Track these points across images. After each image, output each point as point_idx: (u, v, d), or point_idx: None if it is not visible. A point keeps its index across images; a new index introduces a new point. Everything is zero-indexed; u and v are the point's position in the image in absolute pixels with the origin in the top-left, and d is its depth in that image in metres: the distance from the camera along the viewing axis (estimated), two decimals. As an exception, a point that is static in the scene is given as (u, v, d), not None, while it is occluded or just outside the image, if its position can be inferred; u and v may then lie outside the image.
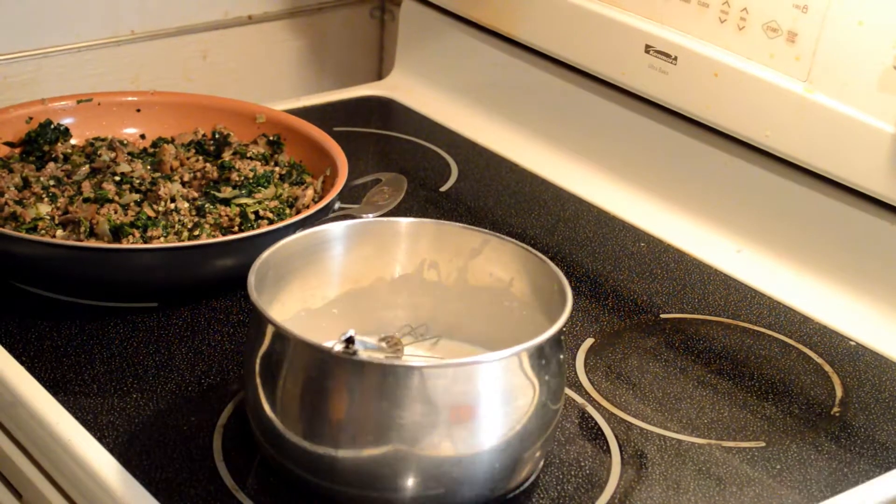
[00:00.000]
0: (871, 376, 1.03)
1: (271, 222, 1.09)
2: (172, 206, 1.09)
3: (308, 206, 1.11)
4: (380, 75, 1.66)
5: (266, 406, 0.83)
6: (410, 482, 0.81)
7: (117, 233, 1.04)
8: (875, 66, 1.06)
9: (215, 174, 1.14)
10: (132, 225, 1.05)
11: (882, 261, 1.11)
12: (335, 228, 0.95)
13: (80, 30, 1.40)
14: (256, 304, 0.83)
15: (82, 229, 1.05)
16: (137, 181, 1.12)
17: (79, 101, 1.23)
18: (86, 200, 1.09)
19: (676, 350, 1.05)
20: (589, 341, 1.05)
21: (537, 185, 1.31)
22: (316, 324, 0.93)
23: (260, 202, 1.11)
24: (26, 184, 1.11)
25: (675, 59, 1.21)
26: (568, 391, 0.96)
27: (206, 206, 1.10)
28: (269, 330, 0.83)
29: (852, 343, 1.08)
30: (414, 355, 0.93)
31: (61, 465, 0.90)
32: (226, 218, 1.09)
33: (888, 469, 0.92)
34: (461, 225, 0.95)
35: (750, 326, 1.09)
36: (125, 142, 1.20)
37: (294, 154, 1.21)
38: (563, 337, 0.86)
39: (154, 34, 1.45)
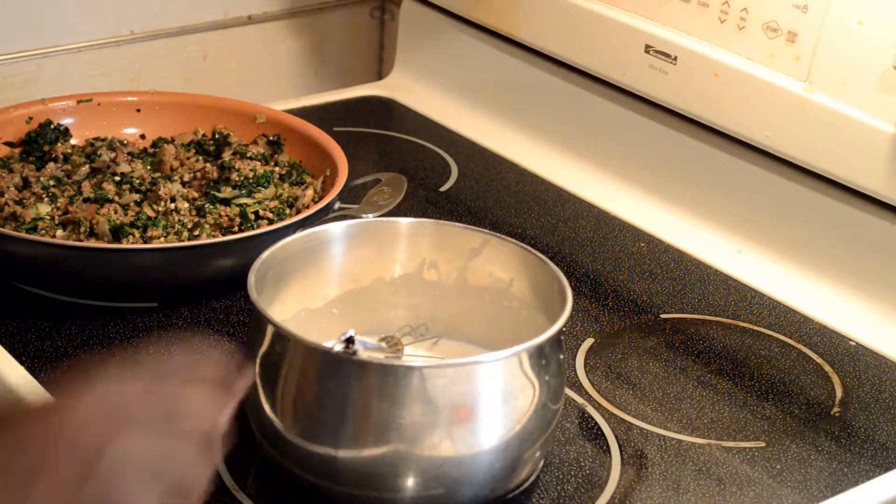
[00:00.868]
0: (871, 376, 1.03)
1: (271, 222, 1.09)
2: (172, 206, 1.09)
3: (308, 206, 1.11)
4: (380, 75, 1.66)
5: (266, 406, 0.83)
6: (410, 482, 0.81)
7: (117, 233, 1.04)
8: (875, 66, 1.06)
9: (215, 174, 1.14)
10: (132, 225, 1.05)
11: (882, 261, 1.11)
12: (335, 228, 0.95)
13: (80, 30, 1.40)
14: (256, 304, 0.83)
15: (82, 229, 1.05)
16: (137, 181, 1.12)
17: (79, 101, 1.23)
18: (86, 200, 1.09)
19: (676, 350, 1.05)
20: (589, 341, 1.05)
21: (537, 185, 1.31)
22: (316, 324, 0.93)
23: (260, 202, 1.11)
24: (26, 184, 1.11)
25: (675, 59, 1.21)
26: (568, 391, 0.96)
27: (206, 206, 1.10)
28: (269, 330, 0.83)
29: (852, 343, 1.08)
30: (414, 355, 0.93)
31: (61, 465, 0.90)
32: (226, 218, 1.09)
33: (888, 469, 0.92)
34: (461, 225, 0.95)
35: (750, 326, 1.09)
36: (125, 142, 1.20)
37: (294, 154, 1.21)
38: (562, 337, 0.86)
39: (154, 34, 1.45)
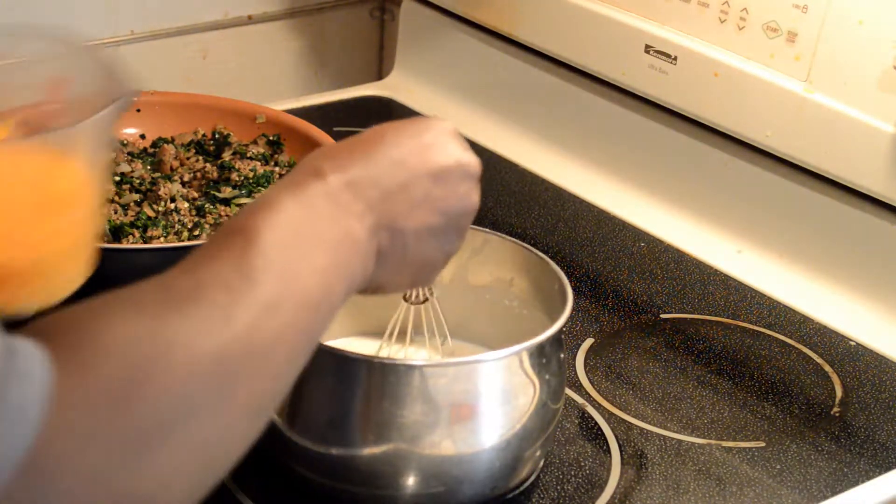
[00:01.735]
0: (871, 376, 1.03)
1: (271, 222, 1.08)
2: (172, 206, 1.09)
3: (308, 206, 1.10)
4: (380, 75, 1.66)
5: (266, 405, 0.83)
6: (411, 481, 0.81)
7: (117, 233, 1.04)
8: (875, 66, 1.06)
9: (215, 174, 1.14)
10: (132, 225, 1.05)
11: (882, 261, 1.11)
12: (335, 228, 0.94)
13: (81, 30, 1.40)
14: (257, 304, 0.82)
15: (82, 229, 1.05)
16: (137, 181, 1.12)
17: (79, 101, 1.23)
18: (86, 200, 1.09)
19: (676, 350, 1.05)
20: (589, 341, 1.05)
21: (537, 185, 1.31)
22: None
23: (260, 202, 1.11)
24: (26, 183, 1.11)
25: (675, 59, 1.21)
26: (568, 391, 0.96)
27: (206, 206, 1.10)
28: (270, 329, 0.83)
29: (852, 343, 1.08)
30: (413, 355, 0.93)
31: (61, 465, 0.90)
32: (226, 218, 1.09)
33: (888, 469, 0.92)
34: (461, 224, 0.95)
35: (750, 326, 1.09)
36: (125, 142, 1.20)
37: (294, 154, 1.21)
38: (563, 336, 0.86)
39: (154, 34, 1.45)
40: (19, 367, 0.51)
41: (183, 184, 1.13)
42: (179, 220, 1.08)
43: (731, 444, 0.94)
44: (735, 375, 1.02)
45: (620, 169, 1.31)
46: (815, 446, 0.94)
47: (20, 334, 0.54)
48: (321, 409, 0.81)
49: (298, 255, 0.62)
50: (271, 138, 1.22)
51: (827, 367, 1.04)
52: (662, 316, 1.10)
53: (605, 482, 0.88)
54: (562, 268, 0.89)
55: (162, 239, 1.05)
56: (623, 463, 0.91)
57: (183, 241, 1.06)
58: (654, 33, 1.23)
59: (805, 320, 1.10)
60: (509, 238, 0.93)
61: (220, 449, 0.58)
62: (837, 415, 0.98)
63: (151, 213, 1.08)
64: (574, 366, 1.01)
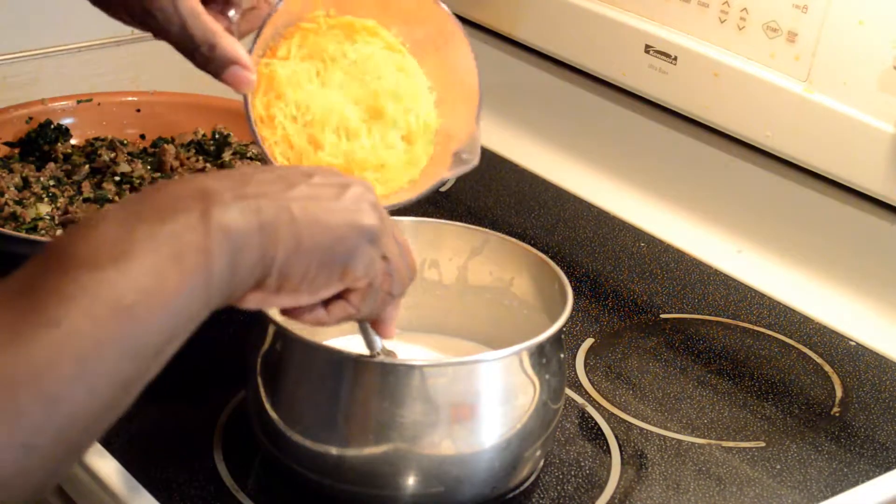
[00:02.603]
0: (871, 376, 1.03)
1: (271, 222, 1.08)
2: (172, 205, 1.09)
3: (308, 206, 1.10)
4: (380, 76, 1.65)
5: (267, 405, 0.83)
6: (411, 480, 0.81)
7: (117, 232, 1.04)
8: (875, 66, 1.06)
9: (215, 174, 1.14)
10: (132, 224, 1.05)
11: (882, 261, 1.11)
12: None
13: (80, 30, 1.40)
14: (257, 304, 0.83)
15: (82, 229, 1.05)
16: (137, 181, 1.12)
17: (79, 101, 1.23)
18: (86, 200, 1.09)
19: (676, 350, 1.05)
20: (589, 341, 1.05)
21: (537, 185, 1.31)
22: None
23: (260, 202, 1.11)
24: (26, 184, 1.11)
25: (675, 59, 1.21)
26: (568, 391, 0.96)
27: (206, 205, 1.10)
28: (271, 329, 0.83)
29: (852, 343, 1.08)
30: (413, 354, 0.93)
31: (61, 465, 0.90)
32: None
33: (888, 469, 0.92)
34: (461, 224, 0.95)
35: (750, 326, 1.09)
36: (125, 142, 1.20)
37: (294, 154, 1.21)
38: (563, 336, 0.86)
39: (154, 34, 1.45)
40: None
41: (183, 184, 1.13)
42: (179, 220, 1.07)
43: (731, 444, 0.94)
44: (735, 375, 1.02)
45: (620, 169, 1.31)
46: (815, 446, 0.94)
47: None
48: (321, 409, 0.81)
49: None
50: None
51: (827, 367, 1.04)
52: (662, 316, 1.10)
53: (605, 482, 0.88)
54: (562, 268, 0.89)
55: (162, 239, 1.05)
56: (623, 463, 0.91)
57: (183, 241, 1.05)
58: (654, 33, 1.23)
59: (805, 320, 1.10)
60: (509, 238, 0.93)
61: None
62: (837, 415, 0.98)
63: (151, 213, 1.07)
64: (574, 366, 1.01)
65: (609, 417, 0.95)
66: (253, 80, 0.83)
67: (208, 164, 1.15)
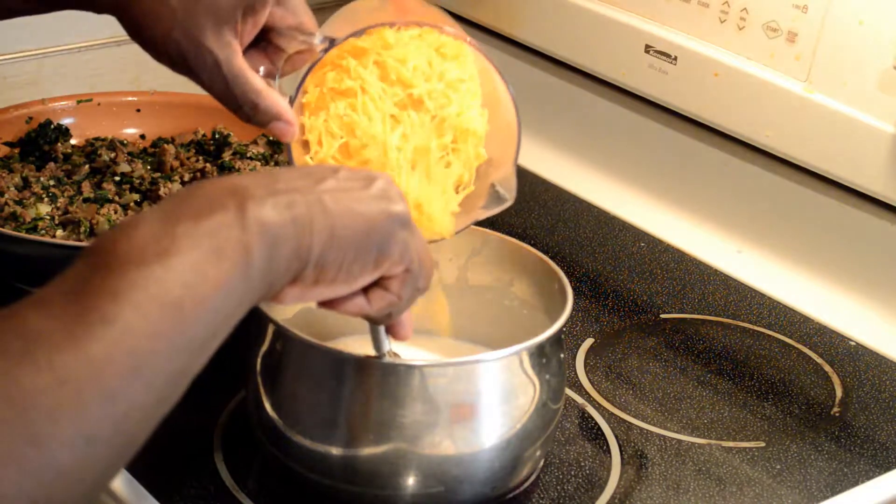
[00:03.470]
0: (871, 376, 1.03)
1: (271, 222, 1.08)
2: (172, 205, 1.09)
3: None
4: (380, 76, 1.65)
5: (267, 405, 0.83)
6: (411, 480, 0.81)
7: (117, 232, 1.04)
8: (875, 66, 1.06)
9: (215, 174, 1.14)
10: (132, 225, 1.05)
11: (882, 261, 1.11)
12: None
13: (80, 30, 1.40)
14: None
15: (82, 229, 1.05)
16: (137, 181, 1.12)
17: (79, 101, 1.23)
18: (86, 200, 1.09)
19: (676, 350, 1.05)
20: (589, 341, 1.05)
21: (537, 185, 1.31)
22: (317, 323, 0.93)
23: (260, 202, 1.11)
24: (26, 184, 1.11)
25: (675, 59, 1.21)
26: (568, 391, 0.96)
27: (207, 205, 1.09)
28: (271, 329, 0.83)
29: (852, 343, 1.08)
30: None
31: (61, 465, 0.90)
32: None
33: (888, 469, 0.92)
34: (461, 224, 0.95)
35: (750, 326, 1.09)
36: (125, 142, 1.20)
37: (294, 154, 1.21)
38: (563, 336, 0.86)
39: (154, 34, 1.45)
40: None
41: (183, 184, 1.13)
42: (179, 220, 1.07)
43: (731, 444, 0.94)
44: (735, 375, 1.02)
45: (620, 169, 1.31)
46: (815, 446, 0.94)
47: None
48: (321, 409, 0.81)
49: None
50: (271, 138, 1.22)
51: (827, 367, 1.04)
52: (662, 316, 1.10)
53: (605, 482, 0.88)
54: (562, 268, 0.89)
55: (162, 239, 1.05)
56: (623, 463, 0.91)
57: (183, 241, 1.05)
58: (654, 33, 1.23)
59: (805, 320, 1.10)
60: (509, 238, 0.93)
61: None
62: (837, 415, 0.98)
63: (151, 213, 1.07)
64: (574, 366, 1.01)
65: (609, 417, 0.95)
66: (295, 132, 0.85)
67: (208, 164, 1.15)
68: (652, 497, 0.87)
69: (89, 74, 1.42)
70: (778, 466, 0.92)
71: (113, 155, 1.16)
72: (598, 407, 0.97)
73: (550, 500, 0.86)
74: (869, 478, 0.91)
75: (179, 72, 0.88)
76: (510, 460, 0.83)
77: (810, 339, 1.08)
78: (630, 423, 0.95)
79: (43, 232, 1.04)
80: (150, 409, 0.58)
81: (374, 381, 0.79)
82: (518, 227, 1.23)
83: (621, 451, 0.92)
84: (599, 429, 0.94)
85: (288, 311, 0.92)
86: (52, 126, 1.19)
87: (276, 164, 1.18)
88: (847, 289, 1.13)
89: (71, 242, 1.02)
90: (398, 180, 0.84)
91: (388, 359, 0.79)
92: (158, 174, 1.14)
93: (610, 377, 1.01)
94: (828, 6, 1.09)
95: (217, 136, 1.21)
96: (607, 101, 1.32)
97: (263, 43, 0.89)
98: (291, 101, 0.85)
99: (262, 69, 0.88)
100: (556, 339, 0.84)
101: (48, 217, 1.06)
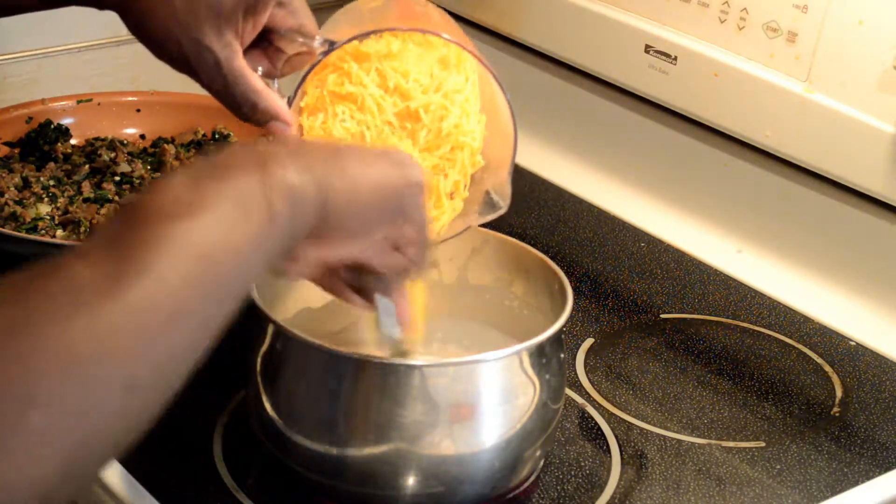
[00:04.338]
0: (871, 376, 1.03)
1: (271, 222, 1.08)
2: (172, 205, 1.09)
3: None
4: (380, 76, 1.65)
5: (267, 405, 0.83)
6: (411, 480, 0.81)
7: (117, 232, 1.04)
8: (875, 66, 1.06)
9: (215, 174, 1.14)
10: (132, 224, 1.05)
11: (882, 261, 1.11)
12: (335, 228, 0.94)
13: (80, 30, 1.40)
14: (257, 303, 0.83)
15: (82, 229, 1.05)
16: (137, 181, 1.12)
17: (79, 101, 1.23)
18: (86, 200, 1.09)
19: (676, 350, 1.05)
20: (589, 341, 1.05)
21: (537, 185, 1.31)
22: (317, 323, 0.93)
23: (260, 202, 1.11)
24: (26, 184, 1.11)
25: (675, 59, 1.21)
26: (568, 391, 0.96)
27: (207, 205, 1.10)
28: (271, 329, 0.83)
29: (852, 343, 1.08)
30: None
31: (61, 465, 0.90)
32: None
33: (888, 469, 0.92)
34: (462, 224, 0.95)
35: (750, 326, 1.09)
36: (125, 142, 1.20)
37: (294, 154, 1.20)
38: (563, 336, 0.86)
39: (154, 34, 1.45)
40: None
41: (183, 184, 1.13)
42: (179, 220, 1.07)
43: (731, 444, 0.94)
44: (735, 375, 1.02)
45: (620, 169, 1.31)
46: (815, 446, 0.94)
47: None
48: (321, 409, 0.81)
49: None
50: (270, 138, 1.22)
51: (827, 367, 1.04)
52: (662, 316, 1.10)
53: (605, 482, 0.88)
54: (562, 268, 0.89)
55: (162, 239, 1.05)
56: (623, 463, 0.91)
57: (183, 241, 1.05)
58: (654, 33, 1.23)
59: (805, 320, 1.10)
60: (509, 238, 0.93)
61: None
62: (837, 415, 0.98)
63: (151, 213, 1.07)
64: (574, 366, 1.01)
65: (609, 417, 0.95)
66: (293, 133, 0.87)
67: (208, 164, 1.15)
68: (652, 497, 0.87)
69: (89, 74, 1.42)
70: (778, 466, 0.92)
71: (113, 155, 1.16)
72: (598, 407, 0.97)
73: (550, 500, 0.87)
74: (869, 478, 0.91)
75: (180, 70, 0.90)
76: (510, 460, 0.83)
77: (810, 339, 1.08)
78: (630, 423, 0.95)
79: (43, 232, 1.04)
80: (183, 356, 0.60)
81: (373, 381, 0.79)
82: (518, 227, 1.23)
83: (621, 451, 0.92)
84: (599, 429, 0.94)
85: (288, 311, 0.92)
86: (52, 126, 1.19)
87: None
88: (847, 289, 1.13)
89: (71, 242, 1.02)
90: None
91: (397, 340, 0.80)
92: (158, 174, 1.14)
93: (610, 377, 1.01)
94: (828, 6, 1.09)
95: (217, 136, 1.21)
96: (607, 101, 1.32)
97: (263, 44, 0.89)
98: (289, 102, 0.85)
99: (260, 69, 0.89)
100: (556, 339, 0.84)
101: (48, 217, 1.06)
